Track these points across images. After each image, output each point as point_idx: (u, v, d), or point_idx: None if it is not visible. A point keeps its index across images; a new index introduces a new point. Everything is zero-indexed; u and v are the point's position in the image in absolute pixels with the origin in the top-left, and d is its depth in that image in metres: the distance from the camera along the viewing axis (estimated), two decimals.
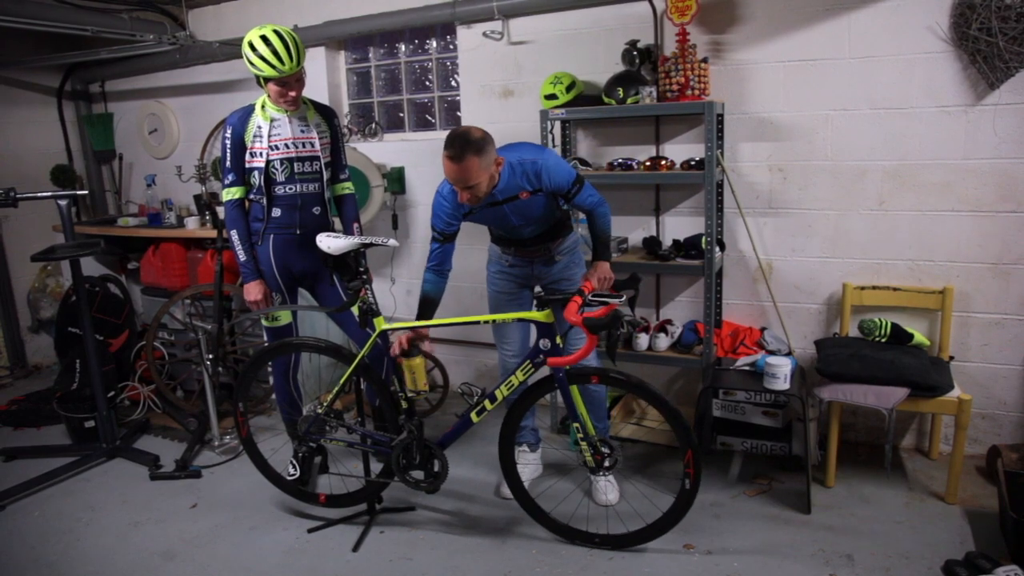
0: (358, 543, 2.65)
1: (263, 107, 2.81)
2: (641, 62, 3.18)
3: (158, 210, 4.38)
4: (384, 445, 2.67)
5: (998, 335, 2.97)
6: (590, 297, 2.32)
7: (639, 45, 3.17)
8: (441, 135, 3.97)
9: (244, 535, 2.77)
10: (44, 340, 4.98)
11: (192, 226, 4.11)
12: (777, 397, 2.88)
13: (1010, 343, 2.96)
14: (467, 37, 3.73)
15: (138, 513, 2.96)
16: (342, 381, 2.67)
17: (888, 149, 2.99)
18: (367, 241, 2.54)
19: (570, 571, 2.44)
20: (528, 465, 2.99)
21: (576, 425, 2.49)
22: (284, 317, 3.00)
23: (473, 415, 2.58)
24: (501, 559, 2.52)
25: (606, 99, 3.22)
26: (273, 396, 3.65)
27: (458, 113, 3.94)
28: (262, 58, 2.62)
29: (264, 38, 2.63)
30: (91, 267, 4.52)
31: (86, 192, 5.02)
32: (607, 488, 2.83)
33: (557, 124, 3.44)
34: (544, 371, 2.46)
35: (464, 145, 2.24)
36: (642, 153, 3.38)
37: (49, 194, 3.31)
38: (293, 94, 2.74)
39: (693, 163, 3.13)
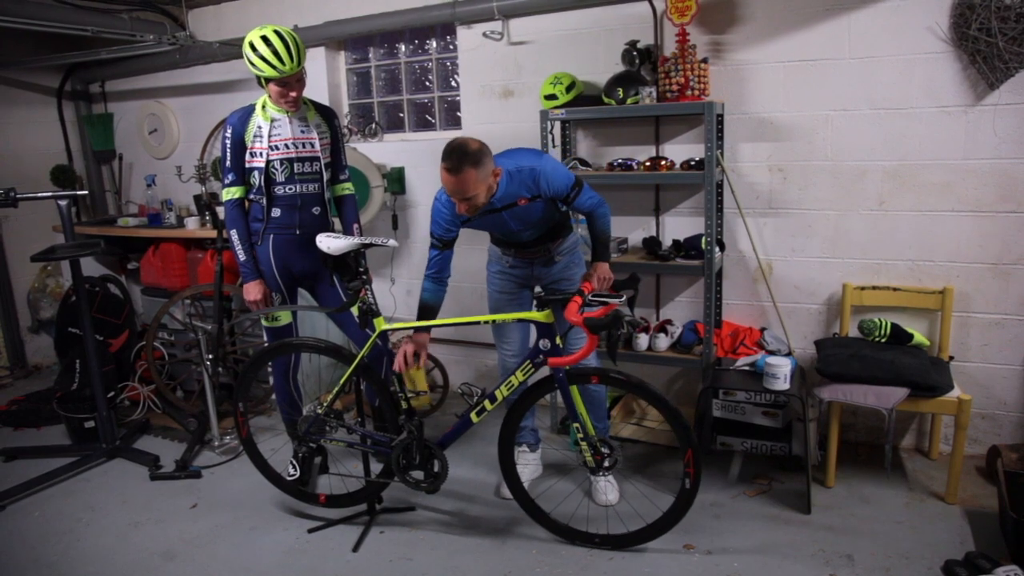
0: (358, 543, 2.65)
1: (263, 107, 2.81)
2: (641, 62, 3.18)
3: (158, 210, 4.38)
4: (384, 445, 2.67)
5: (998, 335, 2.97)
6: (590, 297, 2.32)
7: (639, 45, 3.17)
8: (441, 135, 4.00)
9: (244, 535, 2.77)
10: (44, 340, 4.98)
11: (192, 226, 4.11)
12: (777, 397, 2.88)
13: (1010, 343, 2.96)
14: (467, 37, 3.73)
15: (138, 513, 2.96)
16: (342, 381, 2.67)
17: (888, 149, 2.99)
18: (367, 241, 2.54)
19: (570, 571, 2.44)
20: (528, 465, 2.99)
21: (576, 425, 2.49)
22: (284, 317, 3.00)
23: (473, 415, 2.58)
24: (501, 559, 2.52)
25: (606, 99, 3.22)
26: (273, 396, 3.65)
27: (458, 113, 3.94)
28: (263, 58, 2.63)
29: (265, 38, 2.63)
30: (91, 267, 4.51)
31: (86, 192, 5.02)
32: (607, 488, 2.83)
33: (557, 124, 3.44)
34: (544, 371, 2.46)
35: (461, 157, 2.24)
36: (642, 153, 3.38)
37: (49, 194, 3.31)
38: (294, 94, 2.74)
39: (693, 163, 3.13)
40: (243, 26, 4.11)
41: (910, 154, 2.96)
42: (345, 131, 3.86)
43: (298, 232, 2.90)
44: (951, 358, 2.98)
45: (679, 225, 3.41)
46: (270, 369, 3.25)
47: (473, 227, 2.59)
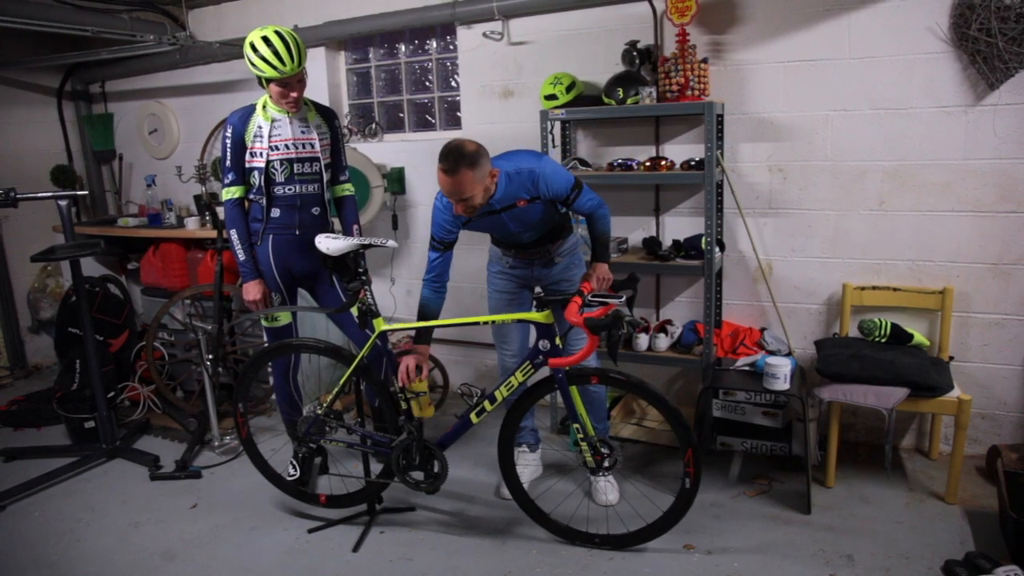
0: (358, 543, 2.65)
1: (264, 107, 2.81)
2: (641, 62, 3.18)
3: (158, 210, 4.38)
4: (384, 446, 2.67)
5: (998, 335, 2.97)
6: (589, 298, 2.32)
7: (639, 45, 3.17)
8: (441, 135, 3.99)
9: (244, 535, 2.77)
10: (44, 340, 4.98)
11: (192, 226, 4.10)
12: (777, 397, 2.88)
13: (1010, 343, 2.96)
14: (467, 37, 3.73)
15: (138, 513, 2.96)
16: (342, 382, 2.67)
17: (888, 149, 2.99)
18: (366, 242, 2.54)
19: (570, 571, 2.44)
20: (528, 466, 2.99)
21: (576, 426, 2.49)
22: (284, 318, 3.00)
23: (473, 416, 2.58)
24: (501, 559, 2.52)
25: (606, 99, 3.22)
26: (273, 397, 3.65)
27: (458, 113, 3.94)
28: (263, 59, 2.63)
29: (266, 39, 2.63)
30: (91, 267, 4.51)
31: (86, 192, 5.02)
32: (607, 488, 2.83)
33: (557, 124, 3.44)
34: (544, 372, 2.46)
35: (458, 159, 2.24)
36: (642, 153, 3.38)
37: (49, 194, 3.31)
38: (294, 95, 2.74)
39: (693, 163, 3.13)
40: (243, 26, 4.12)
41: (910, 154, 2.96)
42: (345, 131, 3.86)
43: (298, 232, 2.90)
44: (951, 358, 2.98)
45: (679, 225, 3.41)
46: (270, 369, 3.25)
47: (473, 229, 2.59)
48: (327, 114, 2.96)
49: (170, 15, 4.45)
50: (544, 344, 2.43)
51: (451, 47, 3.96)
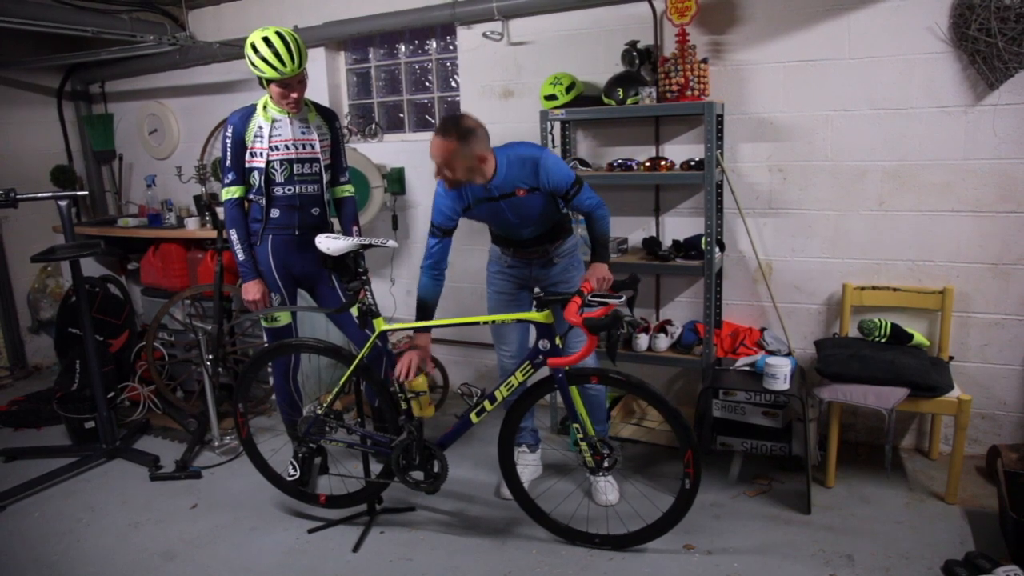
0: (358, 544, 2.65)
1: (265, 107, 2.81)
2: (641, 63, 3.18)
3: (158, 211, 4.38)
4: (384, 446, 2.67)
5: (998, 335, 2.97)
6: (589, 298, 2.32)
7: (639, 46, 3.17)
8: None
9: (244, 536, 2.77)
10: (44, 341, 4.98)
11: (192, 227, 4.11)
12: (777, 397, 2.88)
13: (1010, 343, 2.96)
14: (467, 38, 3.73)
15: (138, 514, 2.96)
16: (342, 382, 2.67)
17: (888, 149, 2.99)
18: (366, 242, 2.54)
19: (570, 571, 2.44)
20: (528, 466, 2.99)
21: (576, 426, 2.49)
22: (283, 318, 3.00)
23: (473, 416, 2.58)
24: (501, 559, 2.52)
25: (606, 100, 3.22)
26: (273, 397, 3.65)
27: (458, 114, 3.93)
28: (264, 60, 2.63)
29: (266, 40, 2.63)
30: (91, 268, 4.51)
31: (86, 193, 5.02)
32: (607, 489, 2.83)
33: (557, 125, 3.45)
34: (543, 372, 2.46)
35: (450, 128, 2.32)
36: (642, 154, 3.38)
37: (49, 195, 3.30)
38: (295, 95, 2.74)
39: (693, 163, 3.13)
40: (243, 26, 4.13)
41: (910, 154, 2.96)
42: (345, 131, 3.86)
43: (297, 233, 2.90)
44: (951, 358, 2.98)
45: (679, 225, 3.41)
46: (270, 369, 3.25)
47: (472, 217, 2.61)
48: (327, 115, 2.96)
49: (170, 15, 4.45)
50: (544, 344, 2.43)
51: (451, 47, 3.96)
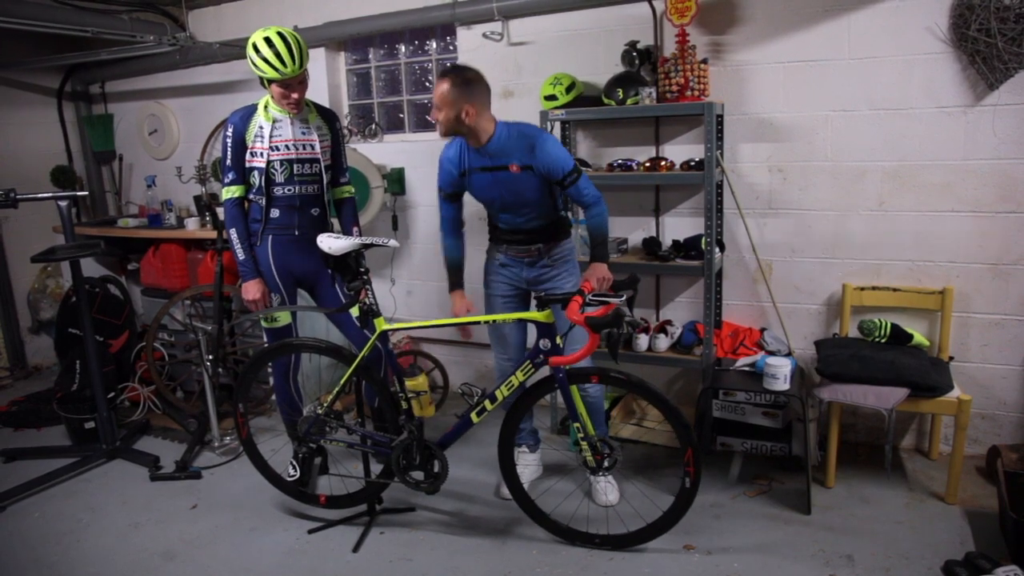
0: (358, 544, 2.65)
1: (265, 107, 2.81)
2: (641, 63, 3.18)
3: (158, 211, 4.38)
4: (384, 446, 2.67)
5: (998, 335, 2.97)
6: (590, 297, 2.32)
7: (639, 46, 3.17)
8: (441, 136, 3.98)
9: (244, 536, 2.77)
10: (44, 341, 4.98)
11: (192, 227, 4.11)
12: (777, 397, 2.88)
13: (1010, 343, 2.96)
14: (467, 38, 3.73)
15: (138, 514, 2.96)
16: (342, 382, 2.68)
17: (888, 150, 2.99)
18: (367, 242, 2.54)
19: (570, 571, 2.44)
20: (528, 466, 2.99)
21: (576, 425, 2.49)
22: (283, 318, 3.00)
23: (473, 416, 2.58)
24: (501, 560, 2.52)
25: (606, 100, 3.22)
26: (273, 397, 3.65)
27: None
28: (265, 60, 2.63)
29: (268, 40, 2.63)
30: (91, 268, 4.51)
31: (86, 193, 5.01)
32: (607, 489, 2.83)
33: (557, 125, 3.45)
34: (544, 371, 2.46)
35: (452, 71, 2.52)
36: (642, 154, 3.38)
37: (49, 195, 3.31)
38: (296, 96, 2.74)
39: (693, 164, 3.14)
40: (243, 27, 4.13)
41: (910, 154, 2.96)
42: (345, 132, 3.86)
43: (297, 233, 2.90)
44: (951, 358, 2.98)
45: (679, 225, 3.41)
46: (270, 370, 3.25)
47: (469, 187, 2.68)
48: (328, 116, 2.96)
49: (170, 16, 4.45)
50: (544, 343, 2.43)
51: (451, 48, 3.96)
